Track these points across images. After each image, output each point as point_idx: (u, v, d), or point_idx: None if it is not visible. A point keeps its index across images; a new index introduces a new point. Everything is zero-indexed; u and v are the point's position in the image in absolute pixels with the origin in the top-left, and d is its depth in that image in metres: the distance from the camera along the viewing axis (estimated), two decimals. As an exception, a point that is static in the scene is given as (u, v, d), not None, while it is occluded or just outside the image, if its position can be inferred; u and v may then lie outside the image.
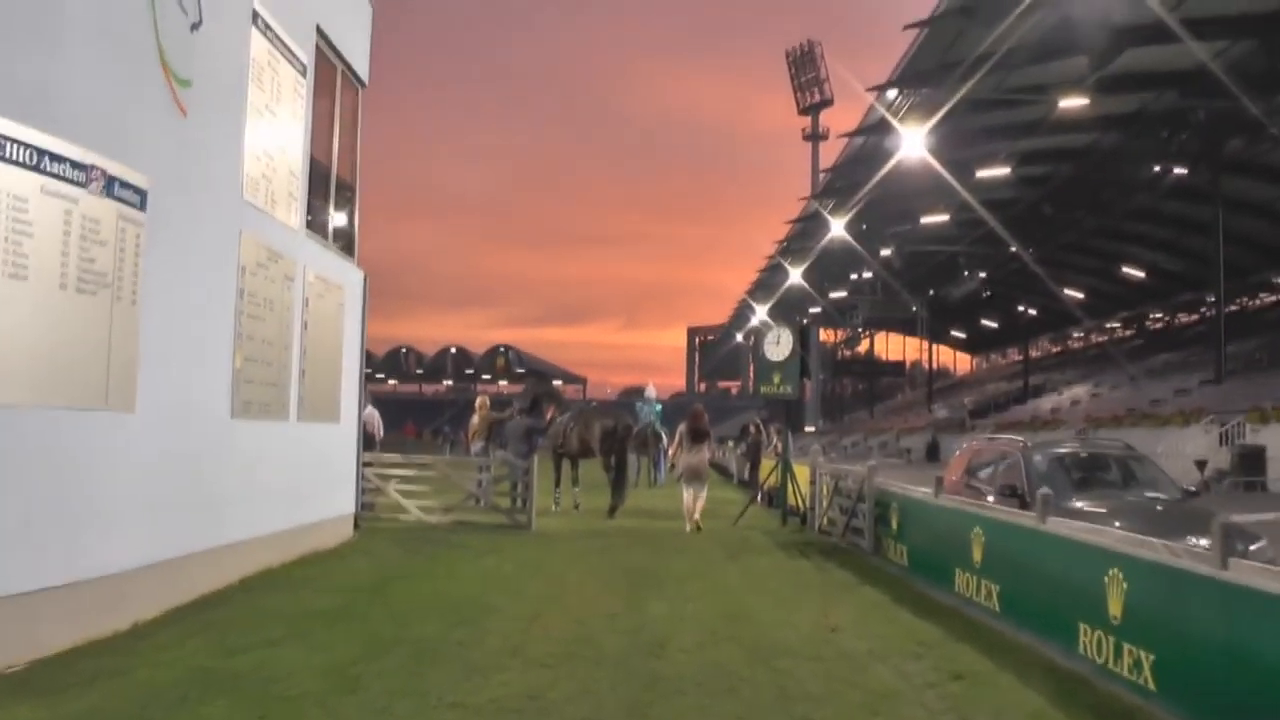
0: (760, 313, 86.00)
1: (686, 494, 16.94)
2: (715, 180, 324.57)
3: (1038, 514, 8.55)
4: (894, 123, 38.43)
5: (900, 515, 12.54)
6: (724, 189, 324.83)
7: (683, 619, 8.84)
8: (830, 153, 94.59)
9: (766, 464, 24.22)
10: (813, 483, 16.90)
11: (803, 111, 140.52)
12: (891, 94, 39.13)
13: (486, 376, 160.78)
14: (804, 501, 17.55)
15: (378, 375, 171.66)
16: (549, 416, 20.56)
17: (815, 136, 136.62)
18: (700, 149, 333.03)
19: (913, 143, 37.82)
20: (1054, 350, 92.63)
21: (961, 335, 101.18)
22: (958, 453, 14.18)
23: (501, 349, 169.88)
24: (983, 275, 68.55)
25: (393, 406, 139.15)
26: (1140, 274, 64.36)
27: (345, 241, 14.08)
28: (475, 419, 20.73)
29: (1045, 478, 10.93)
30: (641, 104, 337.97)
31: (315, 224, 12.74)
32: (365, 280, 14.60)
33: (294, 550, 11.57)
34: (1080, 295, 70.83)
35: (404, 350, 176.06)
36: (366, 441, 17.96)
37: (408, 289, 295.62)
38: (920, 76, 36.39)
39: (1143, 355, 62.30)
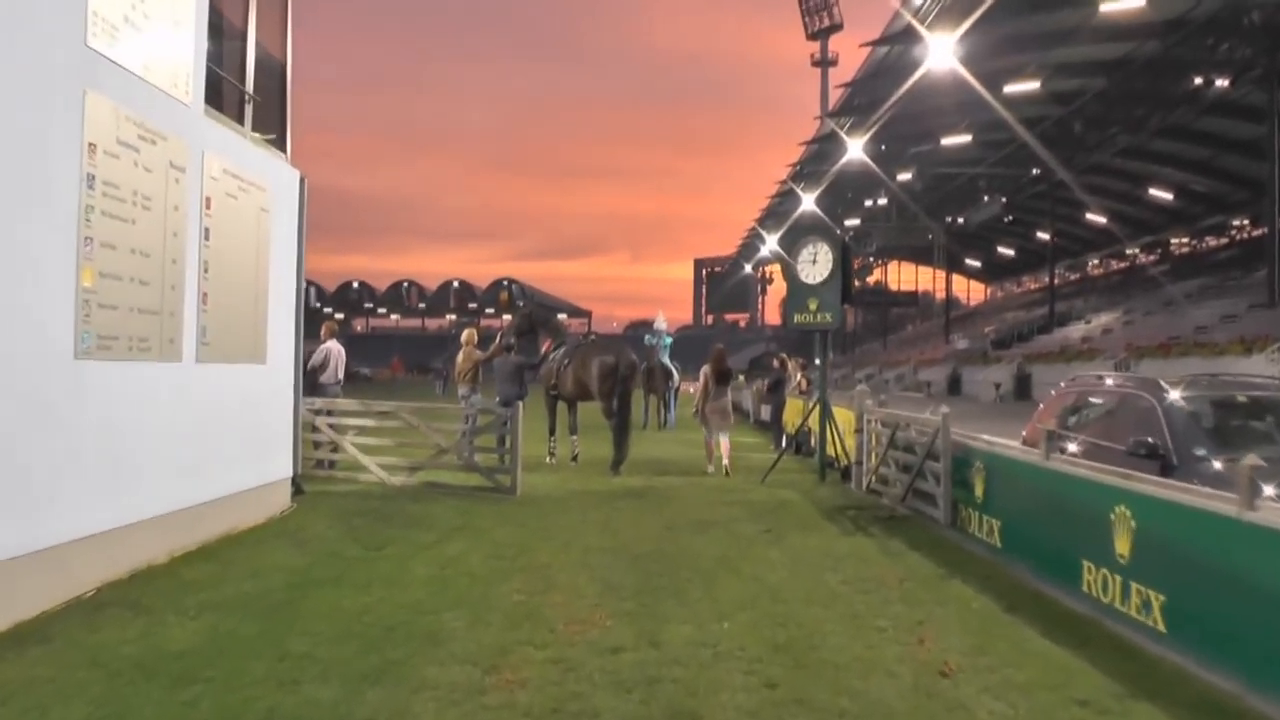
0: (770, 242, 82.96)
1: (710, 439, 16.43)
2: (723, 112, 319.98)
3: (1241, 496, 5.66)
4: (920, 29, 35.03)
5: (989, 479, 9.60)
6: (732, 121, 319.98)
7: (717, 654, 5.96)
8: (840, 78, 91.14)
9: (793, 404, 21.32)
10: (859, 431, 13.95)
11: (811, 36, 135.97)
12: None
13: (490, 310, 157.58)
14: (846, 453, 14.67)
15: (379, 310, 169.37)
16: (544, 350, 17.63)
17: (825, 62, 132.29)
18: (708, 81, 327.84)
19: (940, 52, 34.45)
20: (1072, 278, 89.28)
21: (976, 263, 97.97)
22: (1053, 393, 11.23)
23: (505, 282, 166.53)
24: (1003, 199, 65.41)
25: (392, 341, 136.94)
26: (1168, 196, 61.11)
27: (271, 131, 11.06)
28: (460, 356, 17.79)
29: (1194, 433, 8.00)
30: (649, 36, 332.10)
31: (223, 102, 9.73)
32: (303, 183, 11.58)
33: (190, 538, 8.67)
34: (1103, 220, 67.66)
35: (406, 284, 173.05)
36: (318, 386, 15.17)
37: (410, 223, 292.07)
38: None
39: (1169, 281, 59.13)
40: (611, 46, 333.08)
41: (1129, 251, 78.85)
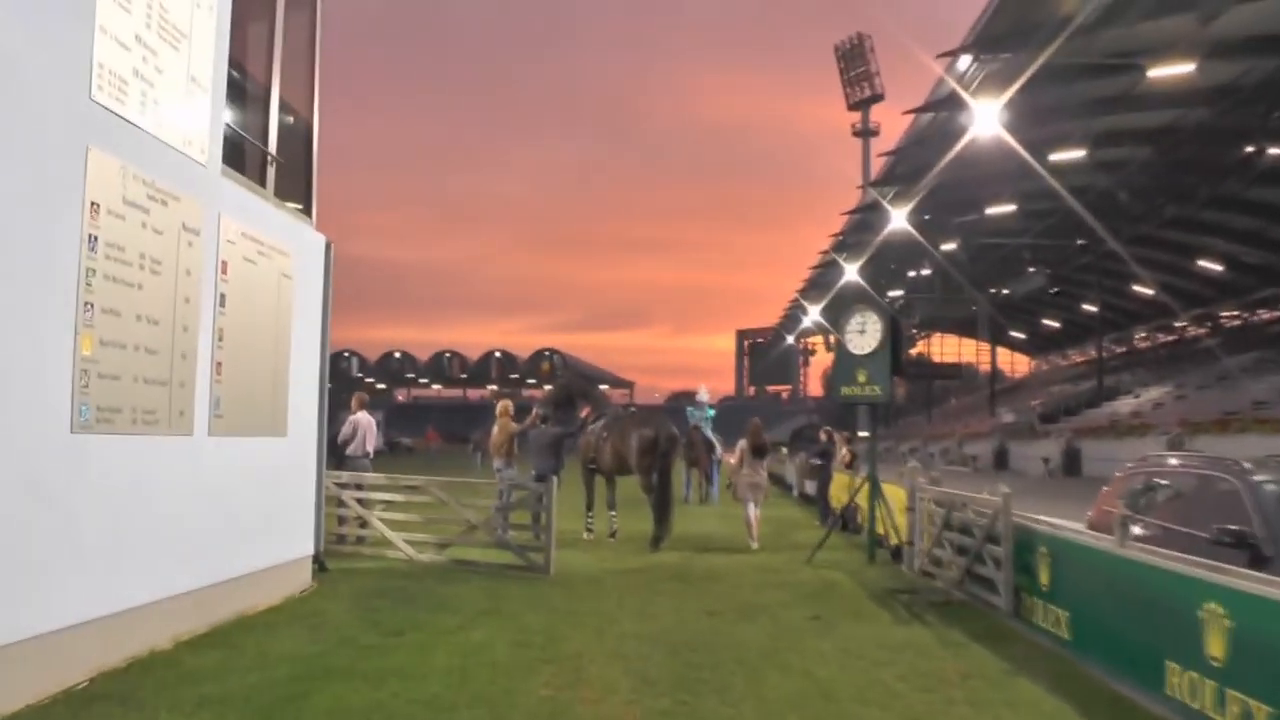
0: (813, 313, 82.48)
1: (746, 511, 16.24)
2: (765, 184, 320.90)
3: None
4: (964, 95, 34.61)
5: (1056, 566, 8.89)
6: (774, 193, 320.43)
7: (766, 767, 5.33)
8: (882, 149, 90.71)
9: (840, 479, 20.61)
10: (910, 509, 13.26)
11: (852, 107, 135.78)
12: (963, 64, 35.28)
13: (532, 381, 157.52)
14: (897, 532, 13.97)
15: (420, 380, 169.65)
16: (583, 418, 17.06)
17: (866, 132, 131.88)
18: (750, 154, 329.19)
19: (985, 118, 33.98)
20: (1119, 350, 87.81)
21: (1021, 335, 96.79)
22: (1119, 473, 10.53)
23: (547, 353, 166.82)
24: (1048, 270, 64.48)
25: (432, 411, 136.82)
26: (1217, 268, 59.96)
27: (296, 194, 10.66)
28: (495, 429, 17.23)
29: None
30: (689, 109, 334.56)
31: (245, 163, 9.33)
32: (329, 249, 11.14)
33: (199, 621, 8.11)
34: (1150, 291, 66.59)
35: (448, 354, 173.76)
36: (346, 459, 14.71)
37: (453, 294, 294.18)
38: (997, 40, 32.57)
39: (1221, 355, 57.84)
40: (651, 120, 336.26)
41: (1176, 324, 77.62)
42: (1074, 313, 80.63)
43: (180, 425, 7.79)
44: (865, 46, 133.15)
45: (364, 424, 15.25)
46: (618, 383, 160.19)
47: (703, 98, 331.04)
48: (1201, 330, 73.26)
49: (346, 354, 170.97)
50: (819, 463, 22.21)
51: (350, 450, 15.00)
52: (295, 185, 10.64)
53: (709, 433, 26.72)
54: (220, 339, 8.52)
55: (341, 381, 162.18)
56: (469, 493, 13.48)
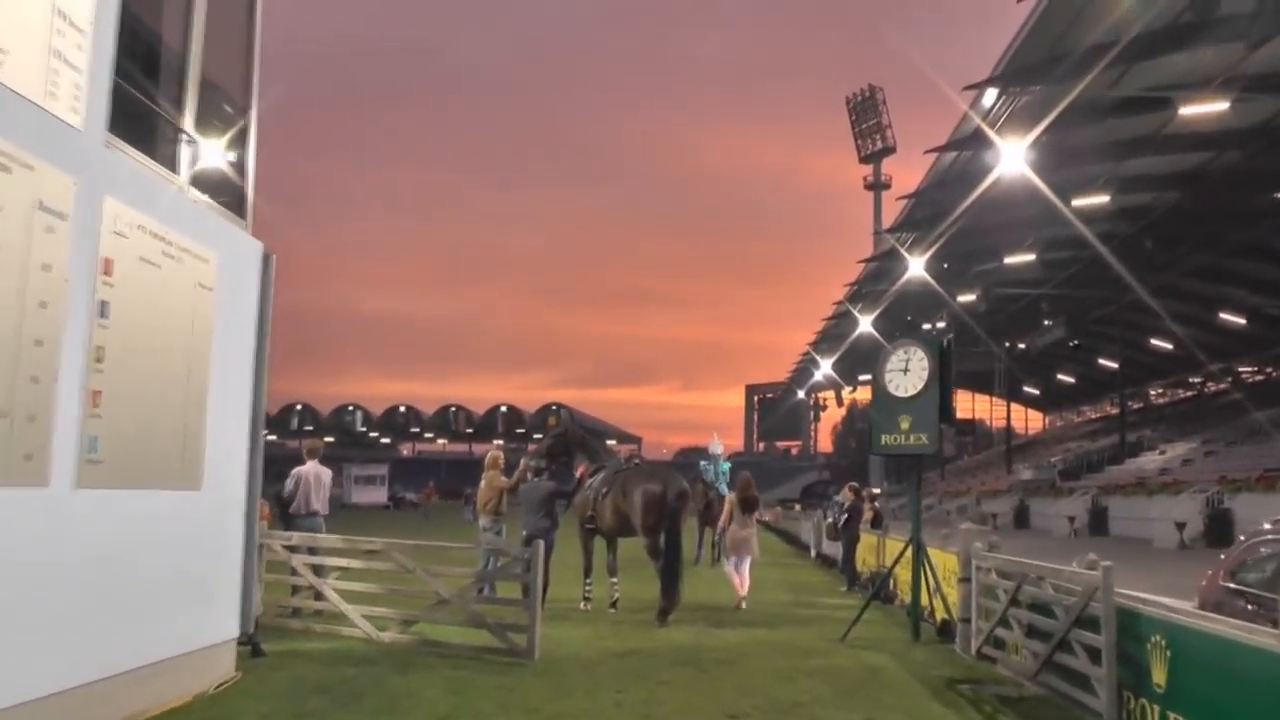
0: (825, 367, 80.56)
1: (730, 568, 15.65)
2: (776, 239, 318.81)
3: None
4: (990, 133, 32.82)
5: (1179, 663, 6.84)
6: (785, 248, 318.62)
7: None
8: (894, 203, 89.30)
9: (867, 541, 18.55)
10: (965, 579, 11.17)
11: (864, 160, 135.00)
12: (988, 101, 33.49)
13: (538, 435, 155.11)
14: (947, 606, 11.90)
15: (426, 434, 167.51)
16: (580, 476, 15.03)
17: (878, 185, 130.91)
18: (760, 209, 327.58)
19: (1011, 158, 32.22)
20: (1135, 406, 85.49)
21: (1034, 391, 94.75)
22: (1243, 539, 8.51)
23: (554, 407, 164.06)
24: (1065, 323, 62.42)
25: (438, 466, 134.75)
26: (1239, 320, 57.89)
27: (226, 191, 8.71)
28: (482, 483, 15.23)
29: None
30: (698, 163, 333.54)
31: (144, 139, 7.38)
32: (268, 260, 9.17)
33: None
34: (1169, 345, 64.67)
35: (453, 409, 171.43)
36: (291, 519, 12.77)
37: (460, 349, 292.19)
38: (1026, 72, 30.76)
39: (1249, 409, 55.57)
40: (660, 174, 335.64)
41: (1194, 379, 75.67)
42: (1090, 367, 78.70)
43: (25, 474, 5.79)
44: (877, 99, 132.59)
45: (308, 476, 13.20)
46: (625, 438, 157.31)
47: (712, 151, 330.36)
48: (1222, 385, 71.25)
49: (351, 408, 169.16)
50: (843, 522, 20.07)
51: (293, 508, 12.98)
52: (226, 183, 8.70)
53: (724, 487, 24.61)
54: (99, 360, 6.54)
55: (346, 435, 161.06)
56: (438, 559, 11.38)
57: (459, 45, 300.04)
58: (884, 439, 12.34)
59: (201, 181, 8.24)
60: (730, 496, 15.98)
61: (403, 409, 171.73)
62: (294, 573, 11.36)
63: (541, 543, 10.77)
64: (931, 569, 12.22)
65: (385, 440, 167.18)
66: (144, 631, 7.18)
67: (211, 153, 8.46)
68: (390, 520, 53.60)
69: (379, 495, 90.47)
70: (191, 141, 7.93)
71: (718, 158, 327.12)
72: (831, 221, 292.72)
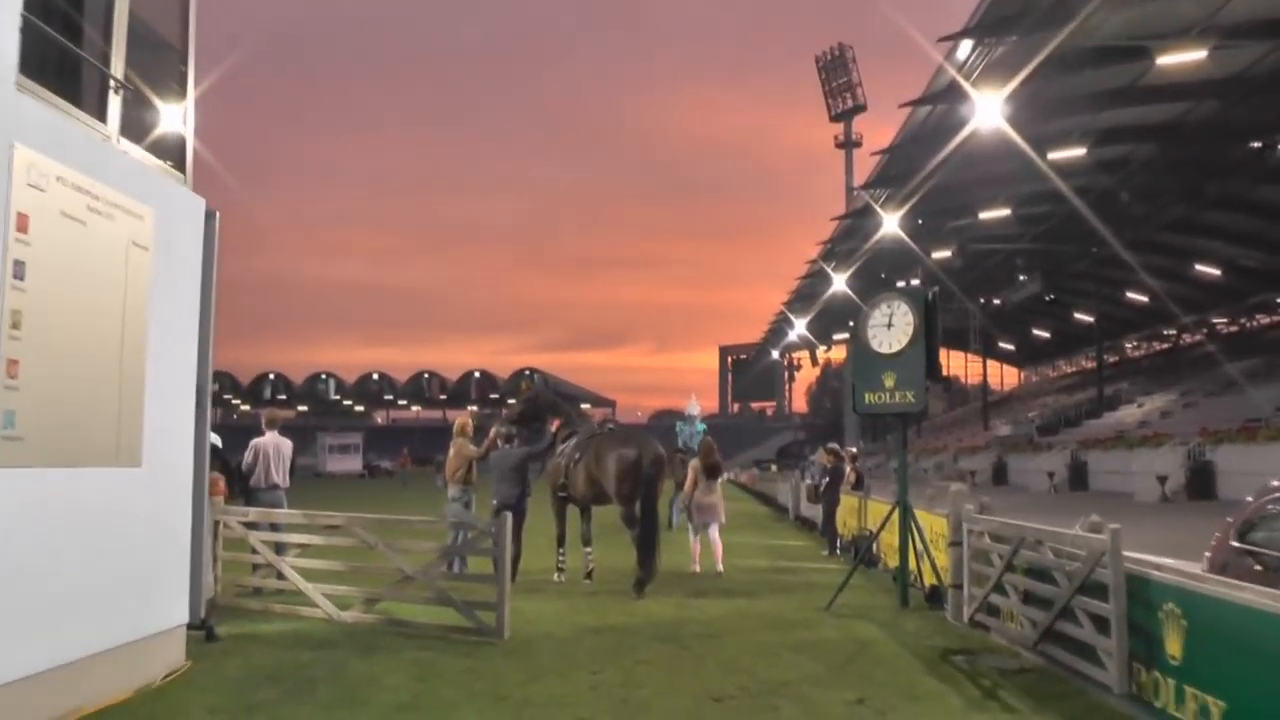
0: (799, 326, 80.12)
1: (695, 537, 15.44)
2: (747, 201, 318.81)
3: None
4: (965, 86, 32.22)
5: (1196, 633, 6.35)
6: (756, 209, 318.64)
7: None
8: (865, 160, 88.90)
9: (848, 503, 18.09)
10: (956, 543, 10.67)
11: (834, 118, 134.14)
12: (963, 54, 32.87)
13: (512, 401, 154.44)
14: (936, 571, 11.43)
15: (399, 401, 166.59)
16: (554, 436, 14.45)
17: (849, 143, 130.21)
18: (731, 171, 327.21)
19: (987, 110, 31.65)
20: (1111, 360, 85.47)
21: (1010, 347, 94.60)
22: (1251, 499, 8.04)
23: (526, 372, 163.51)
24: (1040, 278, 62.05)
25: (413, 434, 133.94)
26: (1214, 272, 57.61)
27: (164, 145, 8.06)
28: (450, 450, 14.65)
29: None
30: (669, 127, 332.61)
31: (66, 84, 6.72)
32: (212, 218, 8.53)
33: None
34: (1145, 298, 64.50)
35: (426, 375, 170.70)
36: (251, 492, 12.20)
37: (435, 316, 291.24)
38: (1003, 23, 30.17)
39: (1222, 361, 55.40)
40: (631, 138, 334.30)
41: (1168, 331, 75.66)
42: (1066, 322, 78.54)
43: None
44: (847, 57, 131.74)
45: (268, 449, 12.58)
46: (600, 401, 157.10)
47: (682, 114, 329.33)
48: (1197, 337, 71.26)
49: (324, 376, 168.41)
50: (824, 485, 19.58)
51: (252, 482, 12.37)
52: (165, 135, 8.05)
53: (700, 450, 24.17)
54: (15, 326, 5.92)
55: (319, 404, 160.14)
56: (403, 534, 10.81)
57: (435, 14, 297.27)
58: (868, 397, 11.78)
59: (136, 132, 7.59)
60: (694, 463, 15.73)
61: (376, 376, 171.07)
62: (254, 550, 10.78)
63: (510, 514, 10.21)
64: (919, 532, 11.72)
65: (359, 408, 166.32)
66: (76, 623, 6.59)
67: (146, 102, 7.80)
68: (366, 489, 53.08)
69: (354, 464, 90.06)
70: (121, 89, 7.27)
71: (687, 122, 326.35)
72: (802, 182, 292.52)
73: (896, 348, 11.50)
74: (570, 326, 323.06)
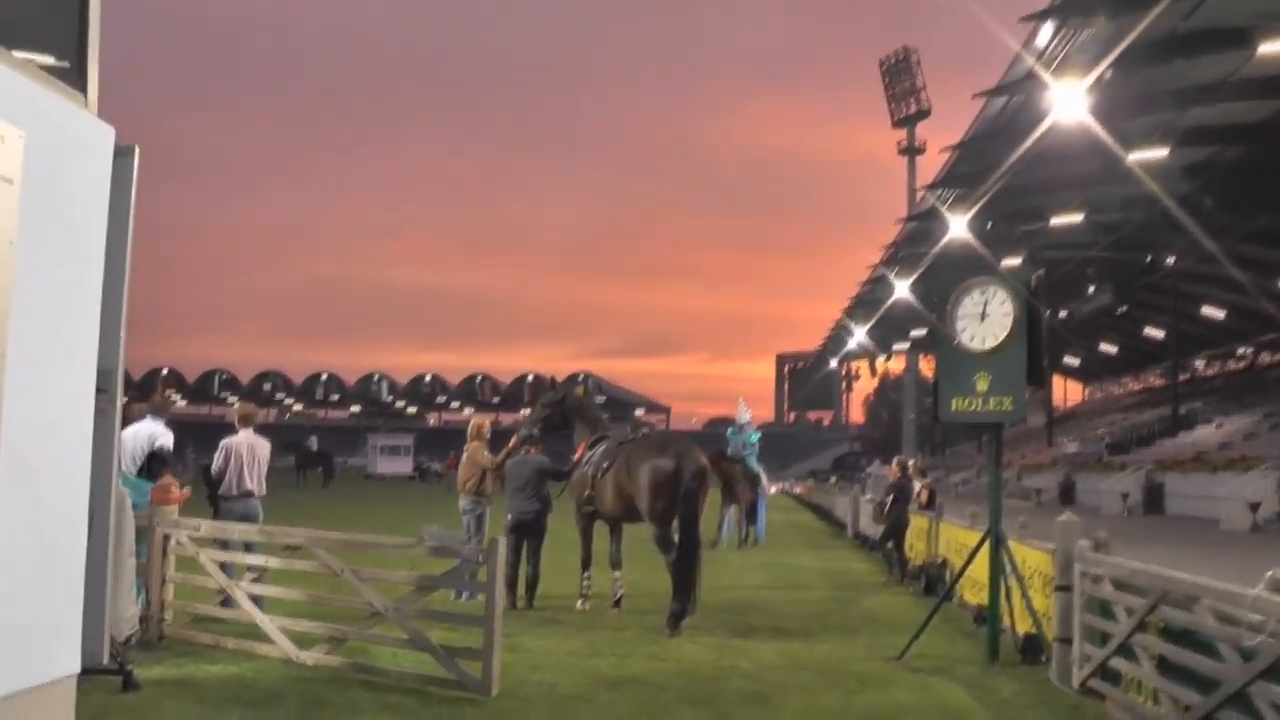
0: (859, 334, 77.88)
1: None
2: (807, 211, 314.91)
3: None
4: (1044, 75, 30.07)
5: None
6: (816, 220, 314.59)
7: None
8: (928, 167, 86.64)
9: (918, 524, 16.06)
10: (1064, 587, 8.61)
11: (897, 124, 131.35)
12: (1043, 38, 30.64)
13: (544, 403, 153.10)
14: (1035, 618, 9.39)
15: (452, 403, 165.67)
16: (578, 452, 12.49)
17: (911, 149, 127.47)
18: (791, 181, 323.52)
19: (1068, 102, 29.46)
20: (1181, 378, 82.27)
21: (1074, 361, 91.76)
22: None
23: (580, 376, 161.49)
24: (1111, 289, 59.32)
25: (460, 436, 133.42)
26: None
27: (53, 51, 6.23)
28: (464, 457, 12.89)
29: None
30: (729, 137, 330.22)
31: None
32: (129, 156, 6.67)
33: None
34: (1219, 314, 61.75)
35: (479, 378, 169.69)
36: (220, 501, 10.40)
37: (491, 321, 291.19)
38: (1089, 2, 27.90)
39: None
40: (691, 149, 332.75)
41: (1241, 350, 72.72)
42: (1134, 336, 75.58)
43: None
44: (911, 60, 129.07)
45: (239, 449, 10.65)
46: (654, 407, 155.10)
47: (743, 124, 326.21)
48: (1278, 357, 68.34)
49: (377, 377, 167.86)
50: (890, 502, 17.38)
51: (222, 489, 10.47)
52: (53, 40, 6.24)
53: (754, 462, 22.07)
54: None
55: (372, 405, 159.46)
56: (375, 560, 8.94)
57: (502, 32, 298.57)
58: (955, 403, 9.66)
59: (14, 37, 5.77)
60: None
61: (428, 378, 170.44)
62: (223, 567, 8.98)
63: (502, 544, 8.20)
64: (1015, 569, 9.66)
65: (411, 410, 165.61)
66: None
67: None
68: (411, 491, 51.81)
69: (404, 466, 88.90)
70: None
71: (751, 131, 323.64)
72: (864, 195, 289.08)
73: (992, 344, 9.40)
74: (627, 334, 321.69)
